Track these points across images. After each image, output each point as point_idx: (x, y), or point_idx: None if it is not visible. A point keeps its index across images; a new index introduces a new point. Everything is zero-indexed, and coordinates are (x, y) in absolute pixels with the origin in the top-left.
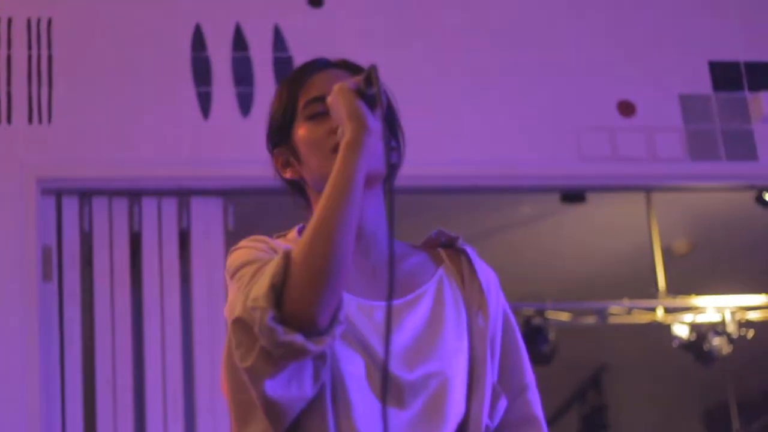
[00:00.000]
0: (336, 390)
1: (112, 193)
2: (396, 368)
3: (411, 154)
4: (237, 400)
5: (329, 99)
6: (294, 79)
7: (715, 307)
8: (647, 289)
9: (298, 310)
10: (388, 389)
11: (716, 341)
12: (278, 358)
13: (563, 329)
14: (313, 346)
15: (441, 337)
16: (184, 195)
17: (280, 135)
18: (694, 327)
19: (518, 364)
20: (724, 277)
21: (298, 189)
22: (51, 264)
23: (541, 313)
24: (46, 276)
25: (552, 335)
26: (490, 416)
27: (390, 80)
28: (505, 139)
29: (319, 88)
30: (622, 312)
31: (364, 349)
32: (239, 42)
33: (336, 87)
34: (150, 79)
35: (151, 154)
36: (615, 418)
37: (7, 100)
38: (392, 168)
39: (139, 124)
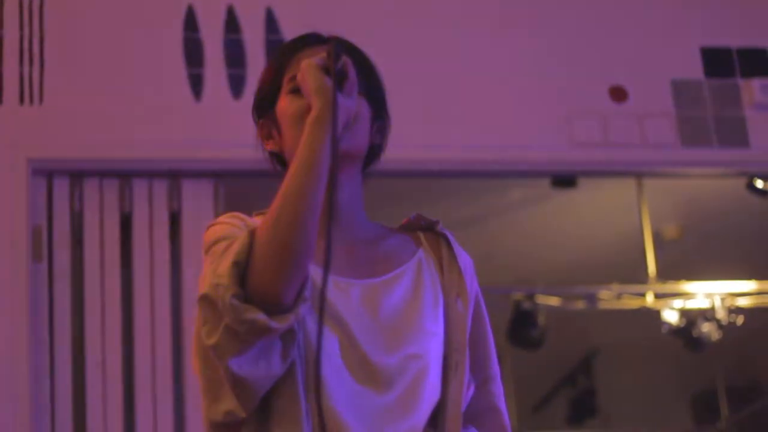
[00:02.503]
0: (309, 368)
1: (103, 174)
2: (374, 350)
3: (402, 138)
4: (206, 377)
5: (298, 76)
6: (284, 51)
7: (705, 294)
8: (637, 275)
9: (260, 287)
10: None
11: (706, 327)
12: (242, 335)
13: (553, 314)
14: (276, 324)
15: (419, 320)
16: (175, 177)
17: (265, 106)
18: (683, 313)
19: (485, 354)
20: (715, 264)
21: (279, 161)
22: (41, 244)
23: (531, 297)
24: (36, 256)
25: (542, 320)
26: None
27: (380, 63)
28: (496, 124)
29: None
30: (611, 297)
31: (340, 326)
32: (232, 24)
33: (303, 63)
34: (142, 61)
35: (143, 135)
36: (604, 402)
37: None
38: (375, 148)
39: (131, 106)
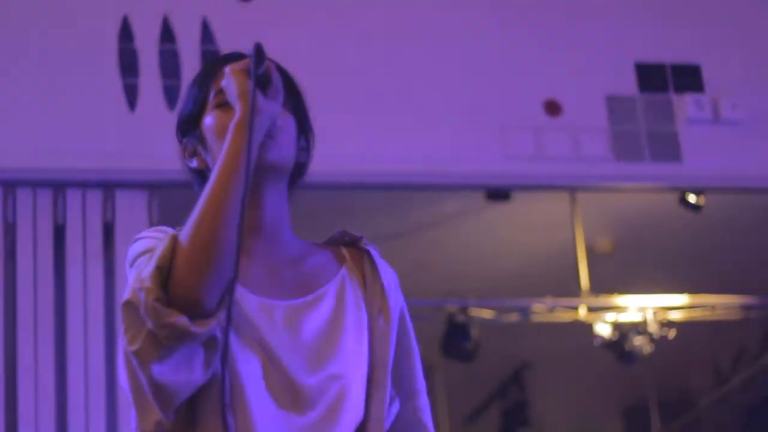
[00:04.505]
0: (233, 389)
1: (36, 184)
2: (295, 371)
3: (334, 150)
4: (133, 388)
5: (223, 82)
6: (207, 69)
7: (637, 307)
8: (570, 288)
9: (182, 291)
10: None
11: (638, 341)
12: (163, 340)
13: (486, 326)
14: (197, 329)
15: (341, 340)
16: (109, 187)
17: (189, 124)
18: (616, 326)
19: (411, 368)
20: (647, 277)
21: (203, 179)
22: None
23: (464, 310)
24: None
25: (475, 332)
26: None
27: (315, 76)
28: (431, 137)
29: None
30: (544, 310)
31: (263, 349)
32: (167, 34)
33: (227, 69)
34: (76, 70)
35: (77, 145)
36: (536, 415)
37: None
38: (300, 166)
39: (65, 115)
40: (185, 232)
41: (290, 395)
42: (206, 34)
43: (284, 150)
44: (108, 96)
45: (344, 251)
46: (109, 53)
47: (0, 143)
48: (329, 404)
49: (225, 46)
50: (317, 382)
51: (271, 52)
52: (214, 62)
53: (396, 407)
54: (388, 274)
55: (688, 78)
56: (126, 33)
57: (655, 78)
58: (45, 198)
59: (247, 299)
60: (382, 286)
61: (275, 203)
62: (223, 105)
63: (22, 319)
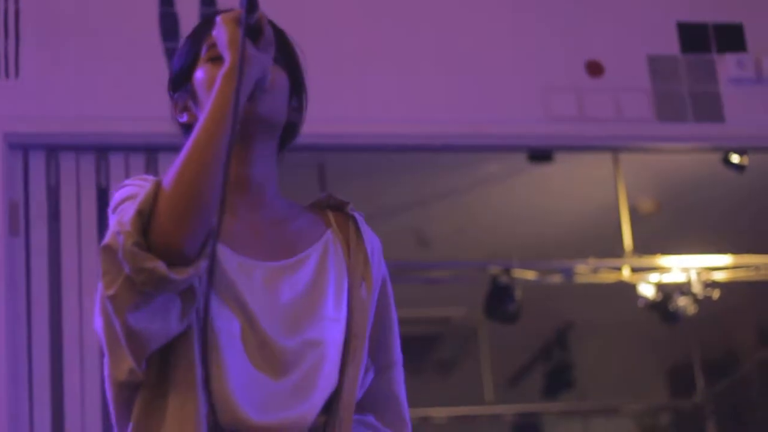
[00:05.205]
0: (209, 347)
1: (79, 149)
2: (272, 333)
3: (377, 112)
4: (107, 334)
5: (214, 32)
6: (200, 26)
7: (681, 268)
8: (614, 249)
9: (163, 237)
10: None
11: (681, 301)
12: (140, 285)
13: (529, 288)
14: (174, 275)
15: (321, 305)
16: (151, 151)
17: (181, 78)
18: (659, 287)
19: (389, 339)
20: (690, 238)
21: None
22: (18, 219)
23: (507, 272)
24: (12, 231)
25: (518, 294)
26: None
27: (352, 36)
28: (472, 98)
29: None
30: (588, 271)
31: (242, 309)
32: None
33: (219, 18)
34: (118, 35)
35: (119, 109)
36: (580, 376)
37: None
38: (292, 127)
39: (108, 80)
40: (168, 178)
41: (266, 357)
42: None
43: (276, 106)
44: (150, 60)
45: (330, 215)
46: (151, 17)
47: (42, 109)
48: (305, 371)
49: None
50: (294, 345)
51: (290, 17)
52: (207, 18)
53: (370, 377)
54: (372, 242)
55: (731, 37)
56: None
57: (697, 37)
58: (88, 162)
59: (227, 257)
60: (365, 254)
61: (264, 160)
62: (215, 59)
63: (66, 281)
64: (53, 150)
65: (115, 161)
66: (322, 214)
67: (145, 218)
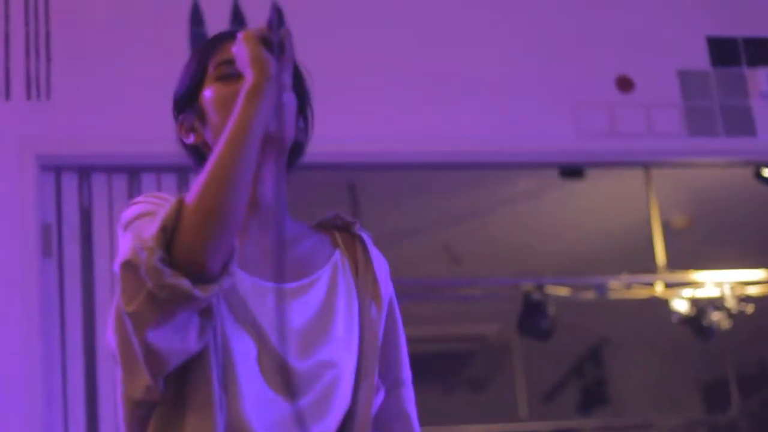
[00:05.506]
0: (225, 370)
1: (111, 169)
2: (286, 355)
3: (407, 130)
4: (123, 352)
5: (234, 49)
6: (206, 45)
7: (714, 282)
8: (646, 264)
9: (187, 254)
10: (289, 381)
11: (715, 316)
12: (163, 302)
13: (562, 304)
14: (199, 293)
15: (332, 327)
16: (183, 171)
17: (186, 99)
18: (693, 302)
19: (397, 357)
20: (723, 252)
21: (198, 156)
22: (51, 240)
23: (540, 288)
24: (45, 252)
25: (551, 310)
26: None
27: (386, 56)
28: (503, 115)
29: (231, 52)
30: (621, 287)
31: (256, 331)
32: (237, 18)
33: (240, 35)
34: (148, 55)
35: (151, 130)
36: (614, 392)
37: (6, 77)
38: (298, 146)
39: (138, 100)
40: (193, 195)
41: (281, 378)
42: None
43: (288, 125)
44: None
45: (337, 235)
46: (181, 37)
47: (74, 129)
48: (319, 392)
49: (294, 28)
50: (308, 367)
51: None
52: (214, 37)
53: (381, 397)
54: (379, 262)
55: (761, 51)
56: (196, 17)
57: (727, 52)
58: (120, 183)
59: (241, 278)
60: (374, 274)
61: (272, 180)
62: (224, 77)
63: (99, 302)
64: (85, 171)
65: (147, 181)
66: (329, 233)
67: (169, 234)
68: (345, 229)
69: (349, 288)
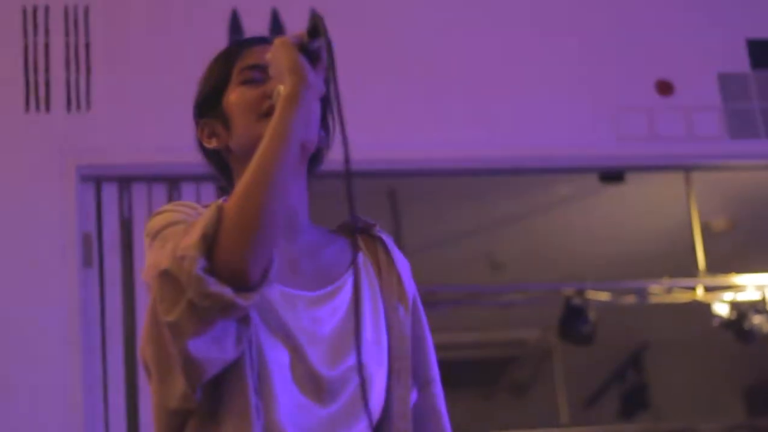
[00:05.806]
0: (261, 378)
1: (151, 180)
2: (317, 363)
3: (447, 136)
4: (157, 362)
5: (268, 55)
6: (229, 50)
7: (755, 286)
8: (687, 268)
9: (229, 262)
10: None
11: (757, 319)
12: (204, 311)
13: (603, 309)
14: (241, 301)
15: (361, 330)
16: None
17: (209, 104)
18: (734, 305)
19: (425, 356)
20: (764, 255)
21: (219, 161)
22: (91, 250)
23: (581, 293)
24: (86, 262)
25: (592, 315)
26: None
27: (427, 66)
28: (543, 120)
29: (256, 57)
30: (661, 291)
31: (287, 338)
32: (276, 26)
33: (277, 41)
34: (188, 65)
35: (190, 140)
36: (656, 396)
37: (46, 89)
38: (319, 152)
39: (178, 110)
40: (234, 202)
41: (314, 386)
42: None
43: (312, 132)
44: None
45: (359, 238)
46: (220, 46)
47: (114, 140)
48: (351, 395)
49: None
50: (339, 373)
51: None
52: (236, 43)
53: (413, 396)
54: (401, 262)
55: None
56: (235, 25)
57: (767, 54)
58: (160, 193)
59: (270, 287)
60: (398, 275)
61: (297, 188)
62: (249, 82)
63: (140, 311)
64: (125, 181)
65: (187, 191)
66: (350, 238)
67: (209, 242)
68: (365, 231)
69: (374, 290)
